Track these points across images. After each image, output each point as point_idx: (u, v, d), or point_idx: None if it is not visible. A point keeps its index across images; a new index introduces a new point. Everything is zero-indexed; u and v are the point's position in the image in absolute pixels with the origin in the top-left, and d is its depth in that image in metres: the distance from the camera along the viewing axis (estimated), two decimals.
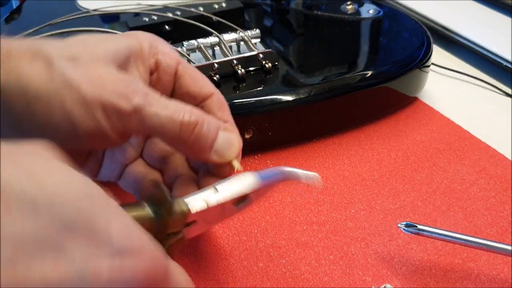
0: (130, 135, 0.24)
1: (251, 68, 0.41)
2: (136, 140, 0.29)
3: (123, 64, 0.25)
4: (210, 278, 0.30)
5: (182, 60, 0.28)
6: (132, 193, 0.29)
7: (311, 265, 0.31)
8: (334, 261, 0.31)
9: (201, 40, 0.42)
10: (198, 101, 0.28)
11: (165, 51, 0.27)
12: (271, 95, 0.39)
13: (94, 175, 0.28)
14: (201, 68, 0.39)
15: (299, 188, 0.37)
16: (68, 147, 0.22)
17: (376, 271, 0.30)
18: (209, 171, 0.28)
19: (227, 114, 0.28)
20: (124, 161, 0.29)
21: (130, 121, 0.23)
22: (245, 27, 0.45)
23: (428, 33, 0.47)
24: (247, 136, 0.38)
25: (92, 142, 0.23)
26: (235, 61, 0.40)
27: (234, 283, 0.30)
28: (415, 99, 0.47)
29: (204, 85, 0.28)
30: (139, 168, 0.29)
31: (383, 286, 0.29)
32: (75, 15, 0.48)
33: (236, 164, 0.27)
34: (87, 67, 0.22)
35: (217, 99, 0.28)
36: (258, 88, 0.40)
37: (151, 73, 0.27)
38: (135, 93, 0.23)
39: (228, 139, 0.26)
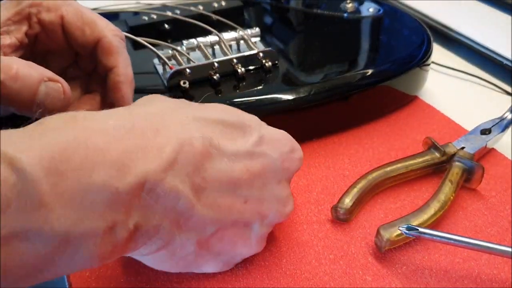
0: None
1: (251, 67, 0.41)
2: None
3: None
4: (211, 277, 0.30)
5: (70, 10, 0.29)
6: None
7: (311, 265, 0.31)
8: (335, 260, 0.31)
9: (200, 39, 0.42)
10: (89, 49, 0.29)
11: (49, 7, 0.29)
12: (271, 94, 0.38)
13: None
14: (201, 67, 0.39)
15: (300, 188, 0.37)
16: None
17: (376, 271, 0.30)
18: None
19: (113, 59, 0.29)
20: None
21: None
22: (245, 26, 0.45)
23: (428, 31, 0.47)
24: None
25: None
26: (235, 60, 0.40)
27: (234, 282, 0.30)
28: (415, 97, 0.47)
29: (90, 32, 0.29)
30: None
31: None
32: None
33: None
34: None
35: (104, 44, 0.29)
36: (258, 87, 0.39)
37: (38, 32, 0.29)
38: None
39: (48, 91, 0.26)
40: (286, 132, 0.30)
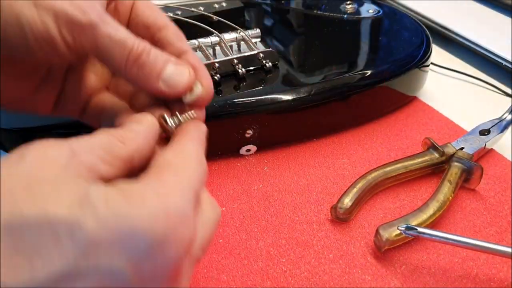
0: (79, 53, 0.24)
1: (252, 68, 0.41)
2: (100, 68, 0.29)
3: None
4: (210, 277, 0.30)
5: None
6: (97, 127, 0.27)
7: (311, 264, 0.31)
8: (334, 260, 0.31)
9: (201, 40, 0.42)
10: (153, 32, 0.27)
11: None
12: (272, 94, 0.39)
13: (50, 107, 0.27)
14: None
15: (300, 188, 0.37)
16: (17, 56, 0.22)
17: (376, 270, 0.31)
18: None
19: (185, 44, 0.27)
20: (87, 92, 0.28)
21: (82, 36, 0.22)
22: (246, 27, 0.45)
23: (428, 32, 0.47)
24: (247, 135, 0.39)
25: (40, 50, 0.22)
26: (235, 61, 0.40)
27: (234, 282, 0.30)
28: (414, 98, 0.47)
29: (159, 16, 0.27)
30: (105, 99, 0.28)
31: None
32: None
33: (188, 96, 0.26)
34: None
35: (174, 29, 0.27)
36: (259, 88, 0.40)
37: (109, 2, 0.27)
38: (92, 9, 0.22)
39: (177, 69, 0.25)
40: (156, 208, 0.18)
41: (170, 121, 0.24)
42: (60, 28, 0.22)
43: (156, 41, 0.26)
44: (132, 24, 0.27)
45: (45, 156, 0.18)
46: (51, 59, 0.24)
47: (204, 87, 0.26)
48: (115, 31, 0.23)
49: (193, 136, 0.23)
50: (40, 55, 0.23)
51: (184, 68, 0.25)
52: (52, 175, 0.17)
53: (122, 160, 0.20)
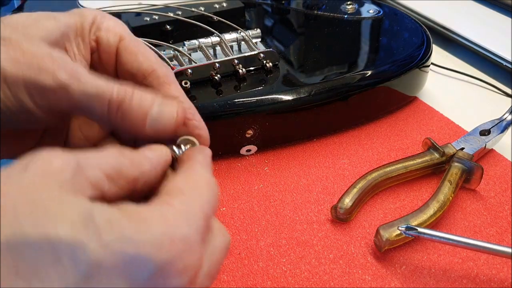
0: (60, 114, 0.23)
1: (252, 68, 0.41)
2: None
3: (58, 42, 0.24)
4: None
5: (127, 36, 0.26)
6: None
7: (311, 264, 0.31)
8: (334, 260, 0.31)
9: (202, 40, 0.42)
10: (139, 79, 0.26)
11: (109, 28, 0.26)
12: (272, 94, 0.39)
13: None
14: (202, 68, 0.39)
15: (300, 188, 0.37)
16: (5, 127, 0.22)
17: (376, 270, 0.31)
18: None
19: (174, 89, 0.26)
20: (89, 139, 0.27)
21: (56, 99, 0.22)
22: (246, 27, 0.45)
23: (428, 33, 0.47)
24: (248, 135, 0.39)
25: (22, 122, 0.22)
26: (236, 61, 0.40)
27: (235, 282, 0.30)
28: (414, 98, 0.47)
29: (144, 61, 0.26)
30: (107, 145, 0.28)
31: None
32: None
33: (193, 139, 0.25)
34: (15, 46, 0.21)
35: (160, 74, 0.26)
36: (259, 88, 0.40)
37: (93, 52, 0.26)
38: (60, 69, 0.21)
39: (162, 110, 0.24)
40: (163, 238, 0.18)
41: (177, 151, 0.24)
42: (33, 98, 0.21)
43: (146, 87, 0.25)
44: (119, 72, 0.26)
45: (49, 168, 0.17)
46: (37, 124, 0.23)
47: (201, 141, 0.25)
48: (89, 86, 0.22)
49: (200, 160, 0.23)
50: (25, 125, 0.23)
51: (171, 108, 0.24)
52: (56, 191, 0.17)
53: (126, 181, 0.20)
